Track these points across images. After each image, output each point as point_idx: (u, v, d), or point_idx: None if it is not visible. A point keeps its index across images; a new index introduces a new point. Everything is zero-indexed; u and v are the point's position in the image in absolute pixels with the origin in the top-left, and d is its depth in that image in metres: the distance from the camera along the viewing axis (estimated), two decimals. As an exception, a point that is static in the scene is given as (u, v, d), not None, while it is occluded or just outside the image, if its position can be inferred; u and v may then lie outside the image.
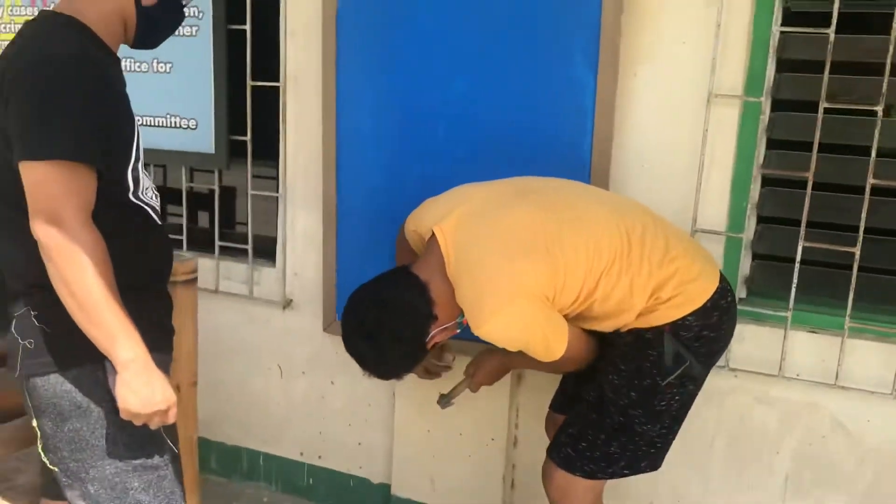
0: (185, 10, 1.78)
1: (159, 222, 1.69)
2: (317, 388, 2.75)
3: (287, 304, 2.71)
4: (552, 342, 1.73)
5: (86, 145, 1.43)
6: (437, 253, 1.80)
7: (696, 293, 1.77)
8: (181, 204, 2.83)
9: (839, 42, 1.98)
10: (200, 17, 2.61)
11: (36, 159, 1.41)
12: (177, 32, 2.55)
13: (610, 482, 2.22)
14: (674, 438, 1.95)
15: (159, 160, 2.81)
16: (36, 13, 1.65)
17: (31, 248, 1.45)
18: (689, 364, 1.77)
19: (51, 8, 1.58)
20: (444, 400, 2.21)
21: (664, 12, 2.11)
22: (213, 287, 2.81)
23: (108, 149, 1.49)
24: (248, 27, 2.57)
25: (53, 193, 1.41)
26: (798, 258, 2.08)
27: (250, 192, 2.70)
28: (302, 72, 2.53)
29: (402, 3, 2.31)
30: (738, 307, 2.13)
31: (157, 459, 1.65)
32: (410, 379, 2.26)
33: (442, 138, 2.33)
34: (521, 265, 1.69)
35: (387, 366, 1.87)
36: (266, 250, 2.75)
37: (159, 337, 1.64)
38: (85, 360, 1.52)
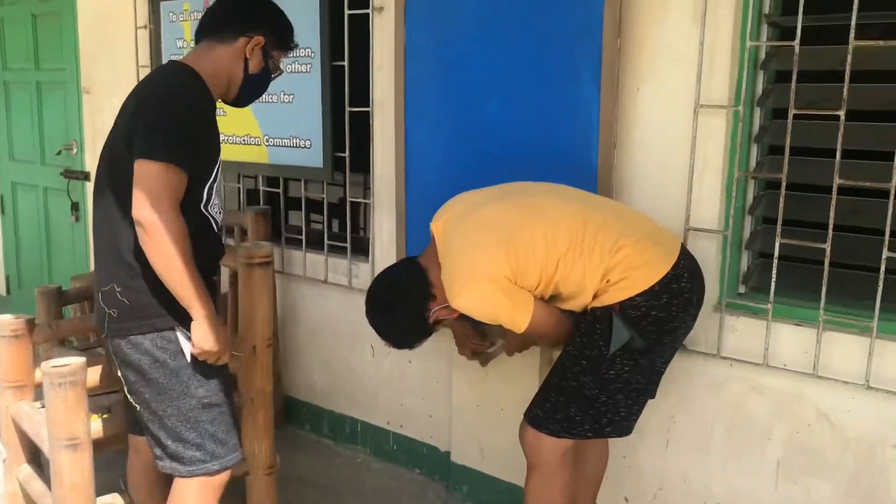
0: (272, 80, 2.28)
1: (216, 231, 2.13)
2: (398, 366, 3.22)
3: (376, 293, 3.21)
4: (516, 316, 2.08)
5: (183, 156, 1.91)
6: (434, 245, 2.24)
7: (641, 278, 2.03)
8: (300, 209, 3.45)
9: (808, 53, 2.15)
10: (312, 56, 3.22)
11: (149, 159, 1.87)
12: (295, 69, 3.21)
13: (623, 462, 2.55)
14: (639, 409, 2.20)
15: (287, 174, 3.44)
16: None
17: (122, 235, 1.96)
18: (632, 338, 2.02)
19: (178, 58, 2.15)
20: (483, 358, 2.61)
21: (660, 32, 2.36)
22: (323, 278, 3.39)
23: (196, 163, 1.99)
24: (346, 63, 3.14)
25: (156, 186, 1.86)
26: (776, 254, 2.24)
27: (349, 199, 3.25)
28: (387, 99, 3.04)
29: (449, 45, 2.75)
30: (735, 301, 2.34)
31: (218, 398, 2.11)
32: (463, 359, 2.68)
33: (479, 151, 2.73)
34: (483, 251, 2.07)
35: (396, 336, 2.34)
36: (364, 248, 3.28)
37: None
38: (159, 327, 1.99)
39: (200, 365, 2.02)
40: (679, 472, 2.51)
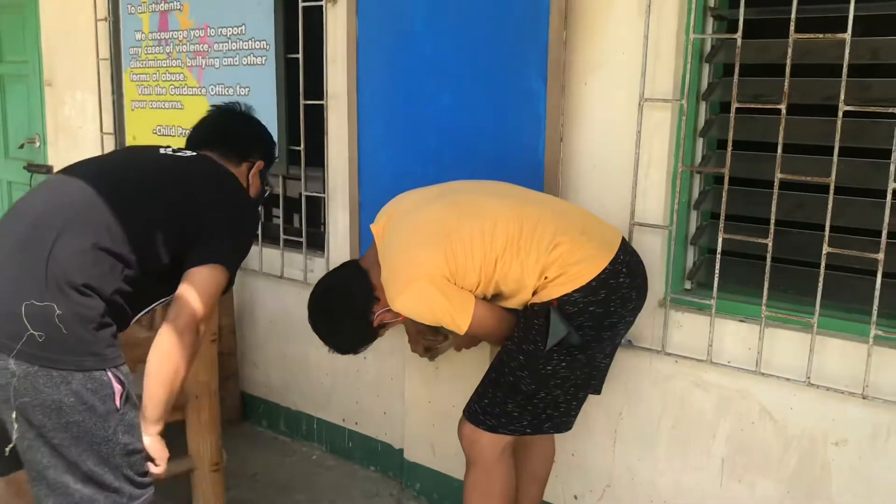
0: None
1: None
2: (354, 363, 3.19)
3: (331, 289, 3.18)
4: (456, 316, 2.05)
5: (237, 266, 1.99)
6: (375, 247, 2.22)
7: (578, 274, 2.01)
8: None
9: (752, 46, 2.12)
10: (267, 49, 3.18)
11: (222, 265, 1.88)
12: (250, 62, 3.18)
13: (573, 460, 2.54)
14: (578, 405, 2.18)
15: (243, 168, 3.40)
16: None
17: (105, 257, 1.77)
18: (569, 334, 2.00)
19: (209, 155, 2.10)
20: (432, 353, 2.58)
21: (607, 25, 2.33)
22: (279, 273, 3.36)
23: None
24: (300, 56, 3.10)
25: (214, 295, 1.88)
26: (719, 250, 2.22)
27: (304, 193, 3.22)
28: (340, 92, 3.01)
29: (401, 37, 2.72)
30: (680, 297, 2.32)
31: (140, 444, 1.87)
32: (416, 356, 2.66)
33: (434, 144, 2.70)
34: (421, 252, 2.04)
35: (339, 340, 2.31)
36: (321, 243, 3.25)
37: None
38: (91, 367, 1.74)
39: (128, 412, 1.82)
40: (627, 469, 2.49)
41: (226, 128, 2.21)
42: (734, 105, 2.13)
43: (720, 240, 2.21)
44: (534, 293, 2.06)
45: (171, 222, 1.89)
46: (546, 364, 2.05)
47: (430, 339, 2.59)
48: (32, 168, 4.57)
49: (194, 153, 2.08)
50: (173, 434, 2.58)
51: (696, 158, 2.34)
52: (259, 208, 2.28)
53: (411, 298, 2.05)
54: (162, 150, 2.06)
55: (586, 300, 2.01)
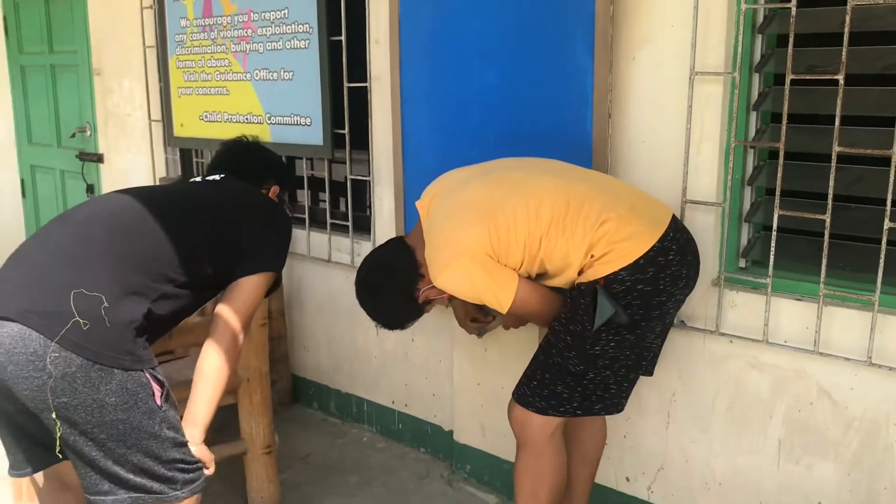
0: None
1: None
2: (402, 345, 3.19)
3: (378, 271, 3.18)
4: (499, 294, 2.03)
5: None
6: (420, 224, 2.21)
7: (626, 251, 1.96)
8: (303, 188, 3.43)
9: (806, 15, 2.05)
10: (310, 32, 3.17)
11: (266, 271, 2.02)
12: (294, 45, 3.19)
13: (625, 442, 2.51)
14: (630, 386, 2.15)
15: (289, 152, 3.40)
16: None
17: (161, 261, 1.88)
18: (617, 313, 1.96)
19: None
20: (481, 330, 2.56)
21: (655, -1, 2.28)
22: (327, 257, 3.37)
23: None
24: (343, 38, 3.09)
25: (256, 301, 2.00)
26: (775, 227, 2.15)
27: (349, 176, 3.21)
28: (383, 73, 2.99)
29: (444, 16, 2.69)
30: (734, 276, 2.27)
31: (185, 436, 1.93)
32: (465, 337, 2.65)
33: (477, 123, 2.67)
34: (464, 229, 2.03)
35: (385, 316, 2.31)
36: (367, 226, 3.24)
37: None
38: (129, 367, 1.77)
39: (168, 409, 1.86)
40: (680, 451, 2.45)
41: (238, 160, 2.33)
42: (789, 76, 2.06)
43: (776, 216, 2.14)
44: (580, 272, 2.02)
45: (214, 243, 1.99)
46: (594, 344, 2.02)
47: (477, 319, 2.58)
48: (84, 156, 4.65)
49: (222, 176, 2.22)
50: (226, 417, 2.62)
51: (749, 133, 2.27)
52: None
53: (453, 275, 2.04)
54: (194, 181, 2.24)
55: (634, 278, 1.97)
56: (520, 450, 2.19)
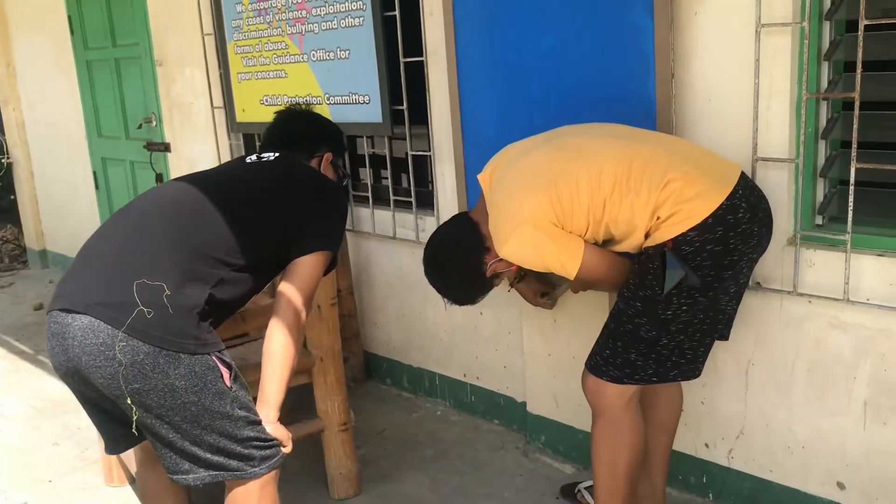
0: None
1: None
2: (470, 318, 3.19)
3: (444, 246, 3.17)
4: (565, 260, 2.01)
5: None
6: (483, 197, 2.19)
7: (693, 211, 1.91)
8: (365, 166, 3.44)
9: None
10: (364, 9, 3.16)
11: (324, 250, 2.03)
12: (348, 24, 3.18)
13: (702, 408, 2.48)
14: (706, 351, 2.10)
15: (348, 131, 3.38)
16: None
17: (217, 249, 1.90)
18: (687, 275, 1.91)
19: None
20: (550, 297, 2.56)
21: (717, -50, 2.19)
22: (392, 234, 3.38)
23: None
24: (397, 13, 3.07)
25: (315, 280, 2.02)
26: (852, 181, 2.06)
27: (410, 152, 3.21)
28: (438, 46, 2.96)
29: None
30: (810, 234, 2.19)
31: (258, 416, 1.95)
32: (533, 309, 2.65)
33: (536, 91, 2.62)
34: (526, 197, 2.01)
35: (454, 292, 2.33)
36: (430, 201, 3.24)
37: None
38: (195, 350, 1.82)
39: (238, 390, 1.90)
40: (760, 416, 2.39)
41: (288, 130, 2.33)
42: (862, 23, 1.96)
43: (853, 170, 2.05)
44: (647, 236, 1.98)
45: (274, 224, 2.02)
46: (665, 309, 1.98)
47: (547, 296, 2.57)
48: (151, 146, 4.76)
49: (276, 155, 2.20)
50: (300, 397, 2.67)
51: (821, 84, 2.17)
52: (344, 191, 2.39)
53: (518, 244, 2.03)
54: (249, 160, 2.21)
55: (703, 238, 1.92)
56: (596, 419, 2.17)
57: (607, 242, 2.07)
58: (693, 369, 2.10)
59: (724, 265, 1.96)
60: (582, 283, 2.38)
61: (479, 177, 2.23)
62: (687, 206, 1.92)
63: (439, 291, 2.34)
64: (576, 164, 2.00)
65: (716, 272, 1.95)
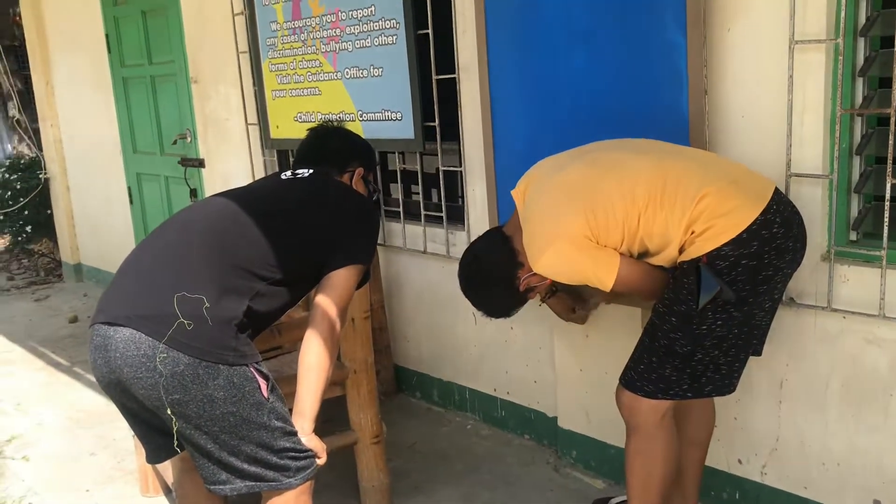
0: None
1: None
2: (501, 333, 3.21)
3: (475, 260, 3.20)
4: (601, 274, 2.03)
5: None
6: (517, 212, 2.23)
7: (727, 226, 1.92)
8: (397, 181, 3.48)
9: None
10: (397, 28, 3.21)
11: (361, 264, 2.08)
12: (382, 42, 3.23)
13: (735, 424, 2.47)
14: (741, 366, 2.09)
15: (381, 147, 3.44)
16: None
17: (253, 263, 1.95)
18: (722, 290, 1.92)
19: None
20: (582, 311, 2.58)
21: (750, -33, 2.21)
22: (423, 249, 3.41)
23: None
24: (430, 31, 3.11)
25: (349, 292, 2.05)
26: (887, 196, 2.06)
27: (441, 167, 3.24)
28: (470, 63, 3.00)
29: (530, 1, 2.68)
30: (845, 249, 2.19)
31: (293, 426, 1.98)
32: (564, 324, 2.67)
33: (568, 108, 2.65)
34: (560, 212, 2.04)
35: (489, 307, 2.35)
36: (460, 216, 3.27)
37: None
38: (233, 362, 1.86)
39: (276, 401, 1.93)
40: (795, 432, 2.38)
41: (320, 145, 2.37)
42: (898, 38, 1.97)
43: (888, 185, 2.05)
44: (681, 250, 1.99)
45: (308, 239, 2.06)
46: (700, 323, 1.98)
47: (580, 311, 2.58)
48: (186, 162, 4.84)
49: (310, 172, 2.24)
50: (333, 409, 2.70)
51: (856, 100, 2.18)
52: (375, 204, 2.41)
53: (552, 259, 2.05)
54: (284, 176, 2.26)
55: (738, 253, 1.93)
56: (630, 435, 2.17)
57: (642, 255, 2.09)
58: (728, 385, 2.10)
59: (758, 280, 1.96)
60: (615, 295, 2.39)
61: (513, 192, 2.26)
62: (721, 220, 1.93)
63: (474, 304, 2.37)
64: (610, 179, 2.02)
65: (751, 287, 1.96)
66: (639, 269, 2.08)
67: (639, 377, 2.11)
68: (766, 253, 1.94)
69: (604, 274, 2.03)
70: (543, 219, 2.07)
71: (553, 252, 2.03)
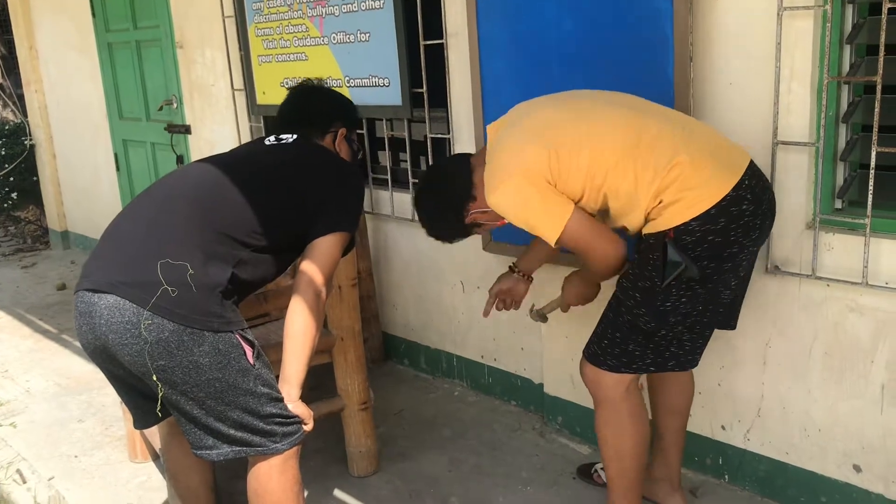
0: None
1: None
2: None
3: (462, 228, 3.19)
4: (548, 220, 1.96)
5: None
6: (486, 146, 2.19)
7: (697, 199, 1.89)
8: (384, 149, 3.46)
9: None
10: (384, -9, 3.17)
11: (340, 230, 2.05)
12: (369, 6, 3.19)
13: (719, 390, 2.48)
14: (704, 342, 2.11)
15: (368, 114, 3.42)
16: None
17: (238, 229, 1.95)
18: (687, 267, 1.90)
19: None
20: (537, 314, 2.56)
21: (739, -67, 2.18)
22: (411, 217, 3.40)
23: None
24: (417, -5, 3.08)
25: (334, 259, 2.04)
26: (873, 164, 2.06)
27: (429, 135, 3.22)
28: (459, 29, 2.97)
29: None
30: (830, 217, 2.20)
31: (280, 393, 1.98)
32: (549, 292, 2.64)
33: (558, 74, 2.63)
34: (524, 148, 1.99)
35: (432, 226, 2.29)
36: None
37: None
38: (219, 328, 1.86)
39: (262, 368, 1.94)
40: (777, 399, 2.41)
41: (301, 106, 2.33)
42: (886, 5, 1.95)
43: (873, 153, 2.05)
44: (647, 220, 1.97)
45: (292, 206, 2.05)
46: (665, 300, 1.98)
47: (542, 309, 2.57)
48: (172, 128, 4.80)
49: (292, 137, 2.22)
50: (321, 376, 2.71)
51: (843, 68, 2.17)
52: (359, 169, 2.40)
53: (506, 194, 1.99)
54: (268, 142, 2.23)
55: (705, 229, 1.90)
56: (597, 407, 2.19)
57: (603, 214, 2.05)
58: (691, 360, 2.11)
59: (723, 257, 1.94)
60: (573, 295, 2.35)
61: (488, 128, 2.21)
62: (691, 193, 1.90)
63: (420, 218, 2.31)
64: (581, 123, 1.99)
65: (716, 264, 1.94)
66: (592, 228, 2.00)
67: (602, 352, 2.11)
68: (734, 230, 1.92)
69: (552, 221, 1.95)
70: (507, 154, 2.02)
71: (508, 186, 1.97)
